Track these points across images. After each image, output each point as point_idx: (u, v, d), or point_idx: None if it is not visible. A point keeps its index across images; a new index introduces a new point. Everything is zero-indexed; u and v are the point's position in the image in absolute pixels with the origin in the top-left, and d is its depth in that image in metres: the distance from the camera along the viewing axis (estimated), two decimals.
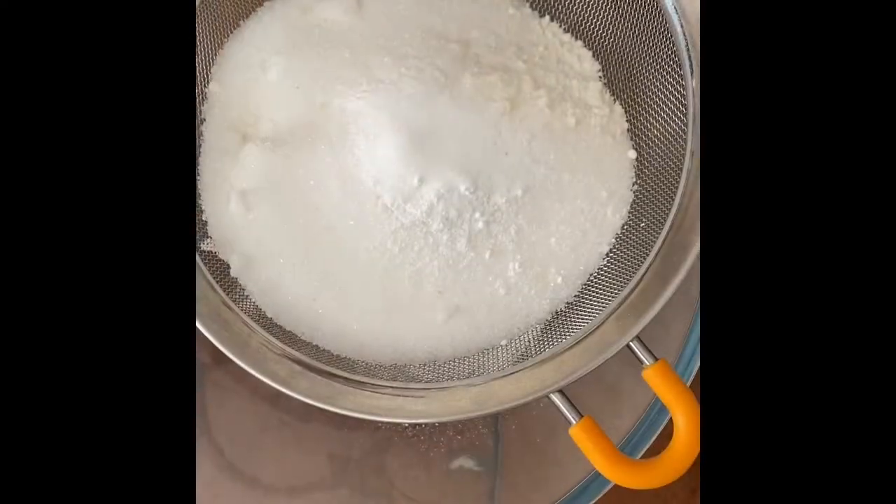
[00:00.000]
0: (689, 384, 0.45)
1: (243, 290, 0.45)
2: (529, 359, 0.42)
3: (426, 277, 0.44)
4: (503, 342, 0.45)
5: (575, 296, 0.45)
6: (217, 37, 0.47)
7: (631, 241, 0.45)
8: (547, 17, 0.49)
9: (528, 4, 0.49)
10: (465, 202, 0.43)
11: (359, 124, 0.44)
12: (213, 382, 0.49)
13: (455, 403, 0.41)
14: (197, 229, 0.44)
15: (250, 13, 0.48)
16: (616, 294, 0.42)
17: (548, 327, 0.45)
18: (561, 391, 0.39)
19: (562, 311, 0.45)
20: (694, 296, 0.48)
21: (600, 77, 0.48)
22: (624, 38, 0.47)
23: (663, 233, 0.41)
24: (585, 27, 0.48)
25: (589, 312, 0.44)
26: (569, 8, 0.49)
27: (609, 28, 0.48)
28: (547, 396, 0.39)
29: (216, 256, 0.45)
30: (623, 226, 0.46)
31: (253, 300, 0.45)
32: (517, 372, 0.41)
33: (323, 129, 0.45)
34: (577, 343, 0.41)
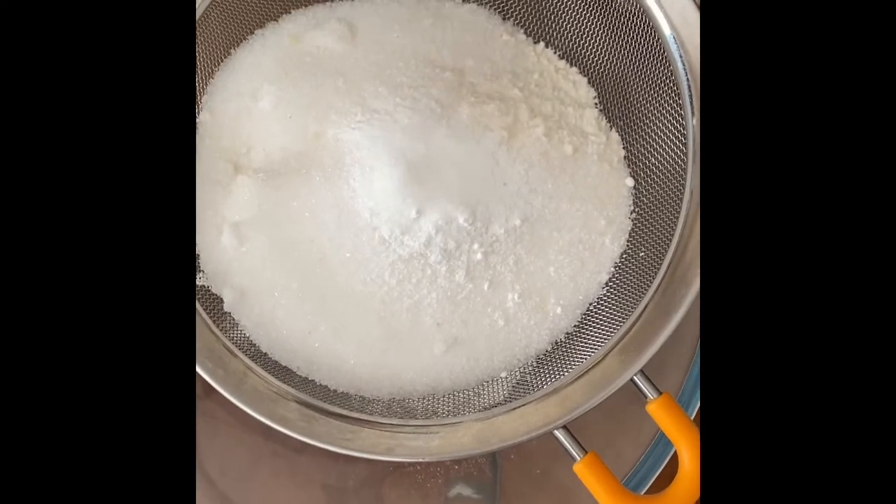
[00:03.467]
0: (692, 417, 0.45)
1: (237, 324, 0.44)
2: (532, 393, 0.41)
3: (424, 309, 0.43)
4: (503, 374, 0.44)
5: (574, 326, 0.45)
6: (207, 66, 0.46)
7: (630, 271, 0.45)
8: (542, 44, 0.49)
9: (522, 31, 0.49)
10: (464, 233, 0.43)
11: (354, 155, 0.43)
12: (204, 412, 0.48)
13: (457, 440, 0.40)
14: None
15: (241, 41, 0.47)
16: (616, 325, 0.42)
17: (548, 358, 0.45)
18: (565, 426, 0.39)
19: (561, 341, 0.45)
20: (696, 328, 0.48)
21: (596, 104, 0.48)
22: (620, 64, 0.47)
23: (664, 265, 0.41)
24: (580, 53, 0.48)
25: (589, 343, 0.44)
26: (563, 34, 0.48)
27: (604, 54, 0.48)
28: (550, 433, 0.39)
29: (209, 291, 0.44)
30: (622, 255, 0.45)
31: (247, 334, 0.44)
32: (520, 407, 0.40)
33: (317, 159, 0.44)
34: (579, 377, 0.41)
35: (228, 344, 0.42)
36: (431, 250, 0.42)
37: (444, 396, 0.44)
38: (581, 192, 0.45)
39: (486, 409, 0.42)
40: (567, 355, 0.44)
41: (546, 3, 0.48)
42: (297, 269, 0.43)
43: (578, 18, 0.47)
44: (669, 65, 0.43)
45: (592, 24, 0.47)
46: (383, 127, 0.43)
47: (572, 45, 0.48)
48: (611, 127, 0.47)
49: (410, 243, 0.42)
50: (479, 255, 0.43)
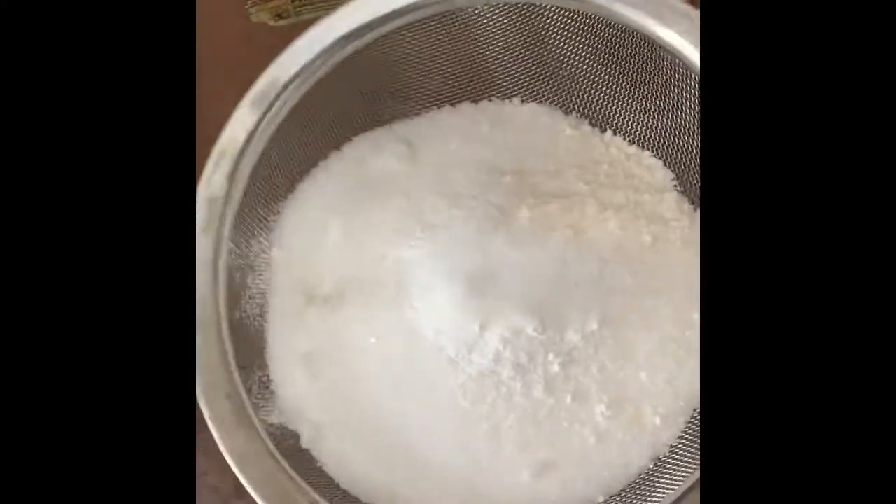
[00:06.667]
0: None
1: (315, 461, 0.42)
2: None
3: (504, 432, 0.40)
4: (600, 499, 0.39)
5: (679, 438, 0.39)
6: (274, 200, 0.46)
7: None
8: (609, 132, 0.46)
9: (587, 122, 0.46)
10: (536, 344, 0.39)
11: (414, 274, 0.42)
12: None
13: None
14: (265, 402, 0.43)
15: (305, 174, 0.47)
16: None
17: (651, 478, 0.39)
18: None
19: (666, 457, 0.39)
20: None
21: (675, 186, 0.44)
22: (696, 140, 0.43)
23: None
24: (652, 135, 0.45)
25: (698, 456, 0.38)
26: (630, 119, 0.45)
27: (678, 131, 0.44)
28: None
29: (285, 427, 0.43)
30: None
31: (326, 472, 0.42)
32: None
33: (381, 283, 0.43)
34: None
35: (305, 486, 0.40)
36: (502, 366, 0.39)
37: None
38: (667, 285, 0.41)
39: None
40: (675, 473, 0.38)
41: (608, 90, 0.45)
42: (367, 400, 0.42)
43: (645, 100, 0.44)
44: None
45: (660, 103, 0.44)
46: (440, 241, 0.41)
47: (642, 128, 0.45)
48: (695, 208, 0.43)
49: (478, 360, 0.39)
50: (556, 367, 0.39)
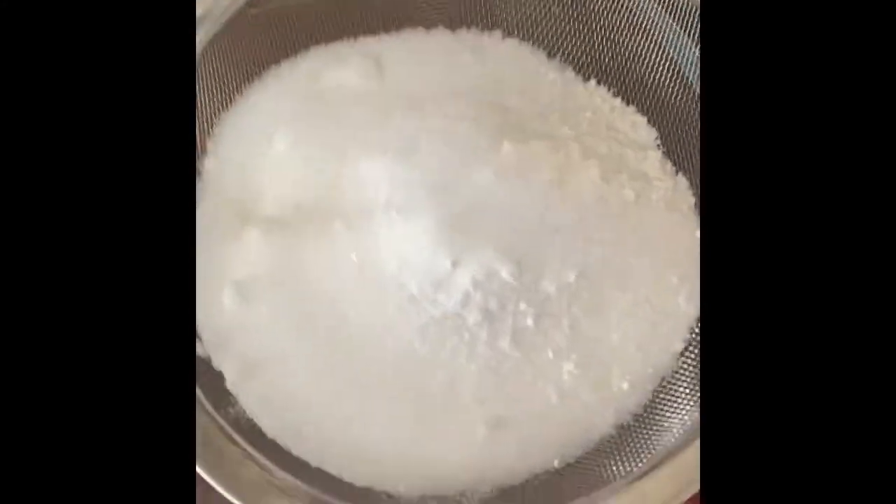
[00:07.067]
0: None
1: (238, 404, 0.37)
2: (598, 488, 0.33)
3: (462, 383, 0.36)
4: (556, 463, 0.36)
5: (645, 406, 0.37)
6: (212, 106, 0.41)
7: None
8: (593, 81, 0.43)
9: (571, 68, 0.43)
10: (509, 290, 0.36)
11: (380, 196, 0.37)
12: None
13: None
14: None
15: (252, 80, 0.42)
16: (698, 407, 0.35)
17: (613, 446, 0.36)
18: None
19: (629, 425, 0.37)
20: None
21: (659, 146, 0.42)
22: (682, 102, 0.41)
23: None
24: (638, 91, 0.42)
25: (664, 427, 0.36)
26: (618, 70, 0.43)
27: (665, 90, 0.42)
28: None
29: (207, 362, 0.37)
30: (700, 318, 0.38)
31: (248, 415, 0.36)
32: None
33: (337, 204, 0.38)
34: (656, 467, 0.33)
35: (224, 424, 0.34)
36: (469, 310, 0.36)
37: (489, 491, 0.36)
38: (647, 245, 0.38)
39: None
40: (637, 442, 0.36)
41: (598, 36, 0.42)
42: (310, 335, 0.37)
43: (635, 51, 0.42)
44: None
45: (651, 57, 0.41)
46: (414, 163, 0.37)
47: (629, 81, 0.42)
48: (677, 171, 0.41)
49: (444, 301, 0.36)
50: (527, 318, 0.36)
